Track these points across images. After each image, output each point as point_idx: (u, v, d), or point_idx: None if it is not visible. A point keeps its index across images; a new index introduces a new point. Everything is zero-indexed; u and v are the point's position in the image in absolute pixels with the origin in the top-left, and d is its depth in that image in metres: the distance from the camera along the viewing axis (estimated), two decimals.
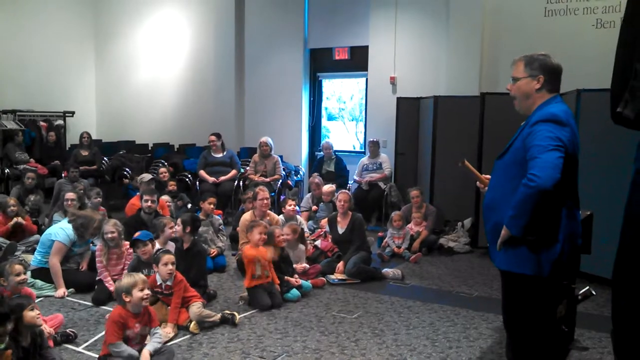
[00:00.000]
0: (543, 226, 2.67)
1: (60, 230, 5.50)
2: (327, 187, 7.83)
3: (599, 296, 4.30)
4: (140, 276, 3.87)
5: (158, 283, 4.55)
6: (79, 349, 4.13)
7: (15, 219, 6.76)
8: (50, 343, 3.99)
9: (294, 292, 5.30)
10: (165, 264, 4.48)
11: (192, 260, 5.26)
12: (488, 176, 3.15)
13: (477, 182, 3.29)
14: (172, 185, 8.21)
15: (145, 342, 3.83)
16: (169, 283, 4.53)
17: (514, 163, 2.79)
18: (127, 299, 3.73)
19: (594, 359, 4.00)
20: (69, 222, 5.60)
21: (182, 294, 4.55)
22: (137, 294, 3.73)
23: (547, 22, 8.33)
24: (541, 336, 2.81)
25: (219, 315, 4.60)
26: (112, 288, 4.98)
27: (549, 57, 2.87)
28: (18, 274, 4.12)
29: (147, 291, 3.81)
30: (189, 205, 8.11)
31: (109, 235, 5.31)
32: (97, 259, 5.34)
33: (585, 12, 8.10)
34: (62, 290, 5.29)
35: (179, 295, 4.52)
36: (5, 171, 9.79)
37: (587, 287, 3.86)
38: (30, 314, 3.43)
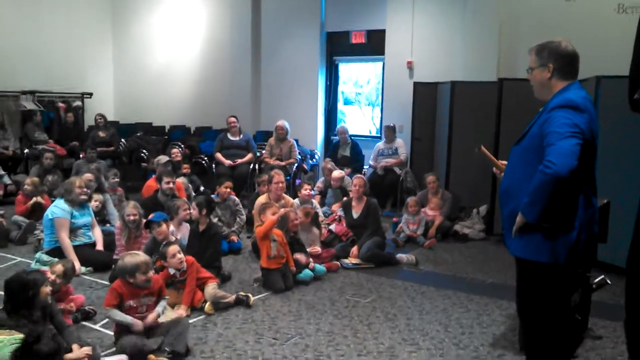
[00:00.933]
0: (559, 213, 2.66)
1: (54, 207, 5.70)
2: (337, 173, 7.84)
3: (614, 285, 4.27)
4: (142, 257, 3.82)
5: (172, 273, 4.56)
6: (96, 326, 4.21)
7: (34, 199, 6.86)
8: (69, 321, 4.07)
9: (307, 272, 5.33)
10: (173, 256, 4.47)
11: (208, 242, 5.32)
12: (504, 162, 3.13)
13: (494, 168, 3.28)
14: (186, 168, 8.25)
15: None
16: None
17: (530, 149, 2.76)
18: (131, 280, 3.75)
19: (608, 347, 3.99)
20: (57, 195, 5.90)
21: (195, 276, 4.60)
22: (140, 277, 3.73)
23: (567, 6, 8.18)
24: (555, 324, 2.81)
25: (233, 297, 4.65)
26: None
27: (561, 43, 2.80)
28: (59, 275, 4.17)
29: (150, 273, 3.79)
30: (202, 188, 8.16)
31: (130, 218, 5.40)
32: (116, 238, 5.46)
33: None
34: (77, 264, 5.32)
35: (192, 277, 4.56)
36: (25, 151, 9.91)
37: (602, 276, 3.85)
38: (44, 290, 3.48)
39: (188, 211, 5.61)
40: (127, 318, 3.71)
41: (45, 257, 5.44)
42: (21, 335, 3.18)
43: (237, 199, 6.94)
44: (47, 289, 3.53)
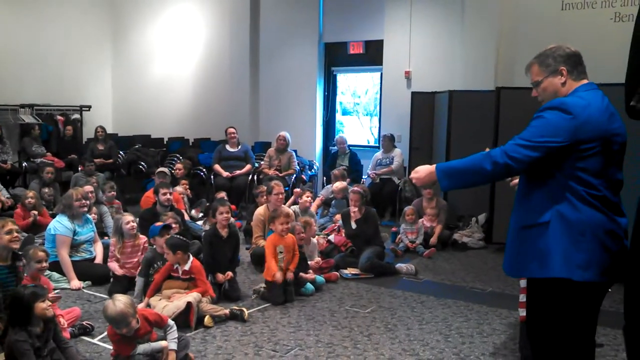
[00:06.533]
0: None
1: (57, 223, 5.62)
2: (338, 184, 7.79)
3: (614, 293, 4.25)
4: (120, 308, 3.43)
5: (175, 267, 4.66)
6: (95, 340, 4.18)
7: (33, 213, 6.84)
8: (67, 335, 4.03)
9: (309, 286, 5.30)
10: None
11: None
12: None
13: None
14: (184, 185, 8.00)
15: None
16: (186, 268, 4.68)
17: None
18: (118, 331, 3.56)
19: (609, 355, 3.99)
20: (56, 211, 5.87)
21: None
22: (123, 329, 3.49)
23: (564, 16, 8.23)
24: (568, 337, 2.66)
25: (227, 311, 4.59)
26: (117, 273, 5.26)
27: (561, 46, 2.69)
28: (39, 261, 4.16)
29: (133, 322, 3.48)
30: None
31: (128, 226, 5.34)
32: (110, 252, 5.41)
33: (604, 6, 7.98)
34: (76, 282, 5.36)
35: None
36: (23, 164, 9.90)
37: None
38: (41, 306, 3.42)
39: (177, 226, 5.55)
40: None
41: (57, 275, 5.41)
42: None
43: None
44: (44, 304, 3.46)
